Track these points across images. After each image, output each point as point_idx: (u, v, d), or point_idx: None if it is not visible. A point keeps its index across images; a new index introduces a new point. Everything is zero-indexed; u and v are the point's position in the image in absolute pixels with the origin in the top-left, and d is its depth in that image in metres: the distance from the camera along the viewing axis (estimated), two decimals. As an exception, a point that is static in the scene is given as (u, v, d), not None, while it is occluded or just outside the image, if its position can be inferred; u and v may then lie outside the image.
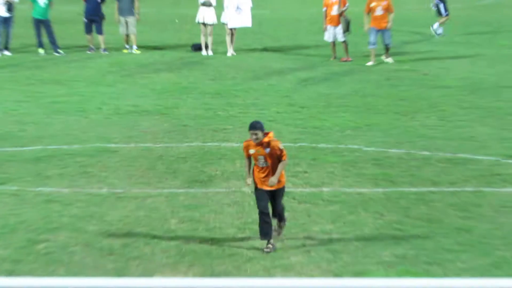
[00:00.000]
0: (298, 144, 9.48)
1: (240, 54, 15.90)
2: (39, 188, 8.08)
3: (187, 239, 6.52)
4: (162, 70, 14.21)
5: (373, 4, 13.56)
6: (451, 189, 8.12)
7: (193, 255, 6.03)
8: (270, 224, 5.93)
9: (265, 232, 5.91)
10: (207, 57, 15.42)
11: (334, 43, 14.31)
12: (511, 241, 6.70)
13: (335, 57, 14.35)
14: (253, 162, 6.11)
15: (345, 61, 14.02)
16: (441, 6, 17.06)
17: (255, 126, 6.01)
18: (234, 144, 9.21)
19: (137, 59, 15.48)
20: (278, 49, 16.89)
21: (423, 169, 8.70)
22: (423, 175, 8.44)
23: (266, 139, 5.94)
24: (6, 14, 15.22)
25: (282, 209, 6.32)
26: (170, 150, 9.48)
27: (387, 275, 5.98)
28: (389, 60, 14.01)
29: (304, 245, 6.63)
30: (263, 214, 5.97)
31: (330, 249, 6.57)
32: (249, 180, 6.13)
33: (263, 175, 6.00)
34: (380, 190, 8.10)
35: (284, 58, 15.96)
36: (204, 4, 14.78)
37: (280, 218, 6.24)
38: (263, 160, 6.01)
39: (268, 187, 6.02)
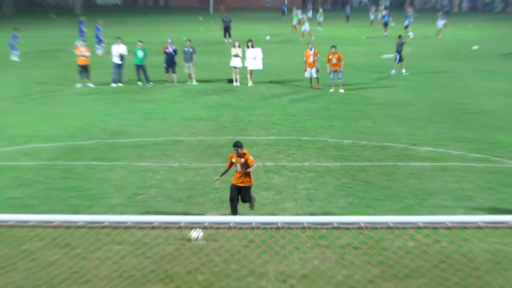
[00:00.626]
0: (290, 137, 12.96)
1: (256, 85, 19.87)
2: (138, 163, 10.78)
3: (224, 193, 8.78)
4: (210, 94, 18.29)
5: (330, 56, 18.44)
6: (379, 163, 11.09)
7: (227, 203, 8.30)
8: (234, 205, 7.91)
9: (231, 210, 7.88)
10: (236, 86, 19.75)
11: (310, 79, 19.13)
12: (415, 194, 9.36)
13: (311, 87, 19.25)
14: (233, 167, 7.86)
15: (317, 88, 19.12)
16: (397, 56, 21.76)
17: (237, 144, 7.74)
18: (252, 137, 12.77)
19: (196, 88, 19.56)
20: (278, 82, 20.59)
21: (363, 152, 11.88)
22: (363, 155, 11.61)
23: (243, 152, 7.70)
24: (119, 62, 19.82)
25: (249, 198, 7.96)
26: (215, 141, 12.68)
27: (342, 213, 8.55)
28: (342, 90, 18.58)
29: (293, 197, 9.29)
30: (231, 200, 7.84)
31: (309, 199, 9.20)
32: (217, 177, 8.04)
33: (238, 175, 7.76)
34: (338, 164, 11.07)
35: (281, 87, 19.74)
36: (234, 56, 19.81)
37: (249, 202, 8.04)
38: (239, 166, 7.77)
39: (239, 184, 7.77)
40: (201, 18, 49.92)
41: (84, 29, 30.69)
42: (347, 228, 4.11)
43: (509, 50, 29.28)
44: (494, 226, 4.01)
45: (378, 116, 15.40)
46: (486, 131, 13.58)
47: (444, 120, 15.11)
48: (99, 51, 27.57)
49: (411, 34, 34.83)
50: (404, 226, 4.09)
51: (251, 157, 7.74)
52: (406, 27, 37.98)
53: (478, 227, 3.89)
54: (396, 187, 9.83)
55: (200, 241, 7.32)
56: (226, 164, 8.02)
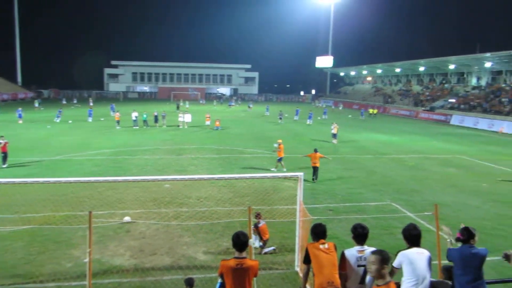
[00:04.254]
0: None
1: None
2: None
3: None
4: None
5: None
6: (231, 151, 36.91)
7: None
8: None
9: None
10: None
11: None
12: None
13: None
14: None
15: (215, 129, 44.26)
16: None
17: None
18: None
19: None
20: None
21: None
22: (235, 150, 35.72)
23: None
24: (134, 118, 46.40)
25: None
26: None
27: None
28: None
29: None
30: None
31: None
32: None
33: None
34: (216, 156, 31.50)
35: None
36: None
37: None
38: None
39: None
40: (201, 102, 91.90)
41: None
42: None
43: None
44: (273, 177, 10.54)
45: (226, 138, 37.22)
46: (270, 145, 35.12)
47: (255, 140, 35.53)
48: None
49: None
50: None
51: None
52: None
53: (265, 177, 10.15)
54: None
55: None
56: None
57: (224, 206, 16.51)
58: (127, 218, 15.13)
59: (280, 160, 23.43)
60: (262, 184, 19.82)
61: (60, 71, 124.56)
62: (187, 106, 76.39)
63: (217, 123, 43.95)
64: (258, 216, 12.87)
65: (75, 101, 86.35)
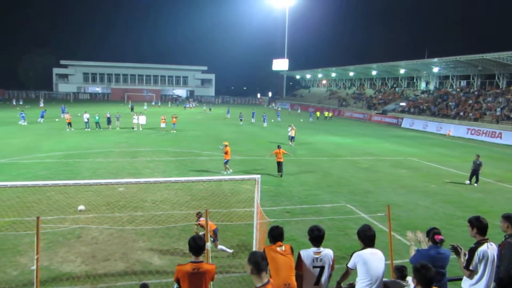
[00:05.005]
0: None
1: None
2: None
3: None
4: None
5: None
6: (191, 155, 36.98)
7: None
8: None
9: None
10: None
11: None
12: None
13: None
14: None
15: (167, 131, 44.37)
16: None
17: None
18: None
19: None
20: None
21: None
22: (193, 153, 36.65)
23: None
24: (86, 120, 45.08)
25: None
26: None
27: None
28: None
29: None
30: None
31: None
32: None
33: None
34: (173, 158, 35.11)
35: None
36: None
37: None
38: None
39: None
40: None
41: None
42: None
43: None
44: (231, 179, 11.36)
45: (190, 140, 37.06)
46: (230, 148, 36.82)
47: (212, 142, 33.27)
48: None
49: None
50: None
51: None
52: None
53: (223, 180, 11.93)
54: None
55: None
56: None
57: (181, 210, 16.25)
58: (81, 207, 15.03)
59: (226, 162, 23.26)
60: (219, 187, 19.63)
61: (5, 70, 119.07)
62: (145, 108, 75.20)
63: (174, 119, 44.24)
64: (198, 215, 12.75)
65: (20, 102, 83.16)
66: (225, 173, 22.88)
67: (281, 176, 22.72)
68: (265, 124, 53.34)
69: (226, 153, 23.47)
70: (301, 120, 67.15)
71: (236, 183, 19.77)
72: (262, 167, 24.64)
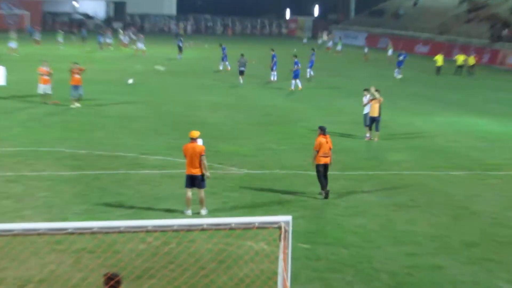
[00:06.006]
0: (29, 148, 14.20)
1: None
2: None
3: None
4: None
5: (75, 72, 20.54)
6: (113, 171, 12.52)
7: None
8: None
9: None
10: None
11: (44, 94, 20.43)
12: (145, 200, 10.74)
13: (46, 102, 20.40)
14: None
15: (55, 103, 20.33)
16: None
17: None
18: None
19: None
20: (19, 96, 21.80)
21: (98, 161, 13.36)
22: (98, 164, 13.02)
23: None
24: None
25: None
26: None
27: (78, 220, 9.28)
28: (78, 105, 20.25)
29: (32, 204, 10.28)
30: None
31: (47, 206, 10.31)
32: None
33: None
34: (74, 173, 12.35)
35: (22, 102, 20.79)
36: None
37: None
38: None
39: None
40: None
41: None
42: (82, 233, 4.23)
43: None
44: (217, 228, 4.39)
45: (111, 128, 17.49)
46: (209, 141, 13.26)
47: (172, 131, 17.22)
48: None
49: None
50: (134, 230, 4.27)
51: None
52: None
53: (202, 229, 4.24)
54: (128, 193, 11.05)
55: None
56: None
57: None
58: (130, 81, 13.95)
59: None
60: (184, 248, 8.22)
61: None
62: (12, 45, 37.62)
63: (75, 76, 20.65)
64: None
65: None
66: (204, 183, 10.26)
67: (326, 196, 11.68)
68: (293, 86, 27.28)
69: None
70: (398, 76, 33.24)
71: (234, 239, 8.55)
72: (284, 188, 12.45)
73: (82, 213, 9.92)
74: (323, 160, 11.66)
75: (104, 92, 23.79)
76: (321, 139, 11.73)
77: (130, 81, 26.88)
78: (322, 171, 11.67)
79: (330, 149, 11.83)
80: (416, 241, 9.75)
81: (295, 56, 28.76)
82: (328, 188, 11.70)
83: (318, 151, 11.64)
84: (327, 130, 12.08)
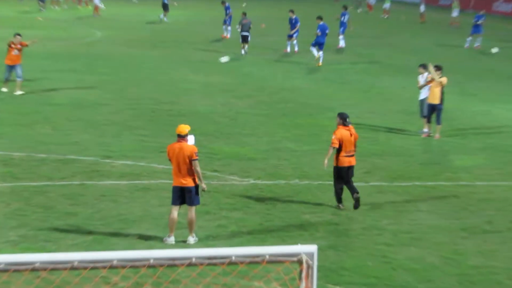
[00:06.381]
0: None
1: None
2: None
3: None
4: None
5: (13, 46, 14.68)
6: (62, 182, 9.34)
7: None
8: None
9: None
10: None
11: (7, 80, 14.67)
12: (109, 222, 7.96)
13: None
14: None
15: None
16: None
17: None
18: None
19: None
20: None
21: (40, 168, 9.91)
22: (41, 172, 9.71)
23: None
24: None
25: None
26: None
27: (12, 251, 6.72)
28: (20, 92, 14.70)
29: None
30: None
31: None
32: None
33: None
34: (7, 184, 9.10)
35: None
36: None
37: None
38: None
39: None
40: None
41: None
42: (18, 271, 2.66)
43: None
44: (211, 262, 2.81)
45: (60, 120, 13.05)
46: (199, 139, 9.53)
47: (146, 125, 12.91)
48: None
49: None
50: (94, 265, 2.78)
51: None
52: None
53: (190, 263, 2.74)
54: (84, 213, 8.38)
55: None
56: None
57: None
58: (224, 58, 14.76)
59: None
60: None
61: None
62: None
63: (15, 53, 15.54)
64: None
65: None
66: None
67: (356, 204, 9.02)
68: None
69: None
70: (493, 50, 25.04)
71: (230, 276, 5.22)
72: (306, 205, 9.63)
73: (18, 241, 7.46)
74: (346, 161, 8.88)
75: (50, 70, 18.01)
76: (343, 131, 8.92)
77: (225, 59, 19.86)
78: (345, 177, 8.86)
79: (355, 145, 9.05)
80: (495, 281, 7.28)
81: (320, 18, 21.66)
82: (357, 192, 8.82)
83: (339, 149, 8.84)
84: (349, 119, 9.14)
